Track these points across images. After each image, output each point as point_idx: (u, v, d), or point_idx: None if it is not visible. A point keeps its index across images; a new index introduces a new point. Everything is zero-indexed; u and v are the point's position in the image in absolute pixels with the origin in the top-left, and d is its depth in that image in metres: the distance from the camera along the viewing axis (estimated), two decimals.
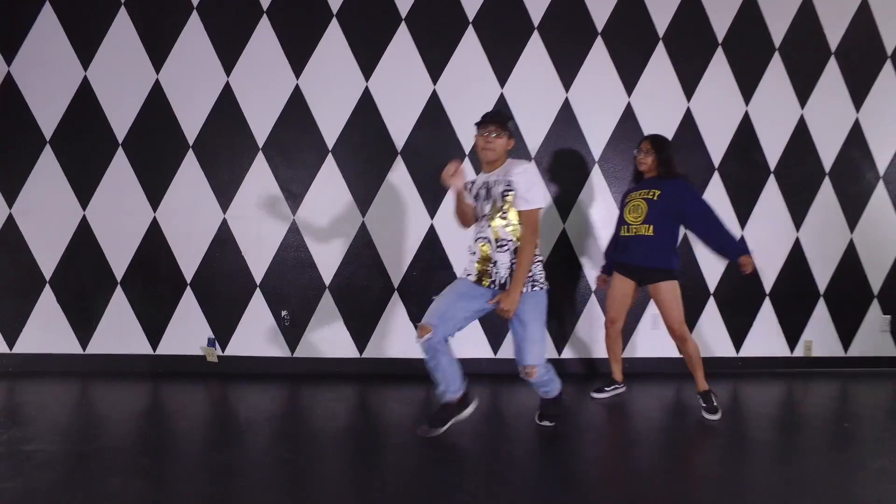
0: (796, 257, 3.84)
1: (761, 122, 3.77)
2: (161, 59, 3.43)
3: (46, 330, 3.46)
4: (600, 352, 3.65)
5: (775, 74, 3.77)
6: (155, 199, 3.46)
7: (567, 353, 3.69)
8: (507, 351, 3.63)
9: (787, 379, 3.70)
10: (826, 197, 3.85)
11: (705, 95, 3.70)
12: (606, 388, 3.16)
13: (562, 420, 2.66)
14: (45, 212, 3.43)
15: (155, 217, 3.45)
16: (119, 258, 3.46)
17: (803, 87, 3.80)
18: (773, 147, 3.79)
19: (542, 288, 2.35)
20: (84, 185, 3.44)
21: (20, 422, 2.58)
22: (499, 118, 2.38)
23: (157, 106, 3.43)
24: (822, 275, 3.87)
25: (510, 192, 2.29)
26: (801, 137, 3.81)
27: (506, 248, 2.31)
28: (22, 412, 2.71)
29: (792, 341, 3.86)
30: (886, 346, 3.94)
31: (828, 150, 3.85)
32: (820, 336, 3.87)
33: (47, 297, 3.46)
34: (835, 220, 3.87)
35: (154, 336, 3.50)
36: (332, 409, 2.88)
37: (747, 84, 3.75)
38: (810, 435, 2.69)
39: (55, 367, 3.46)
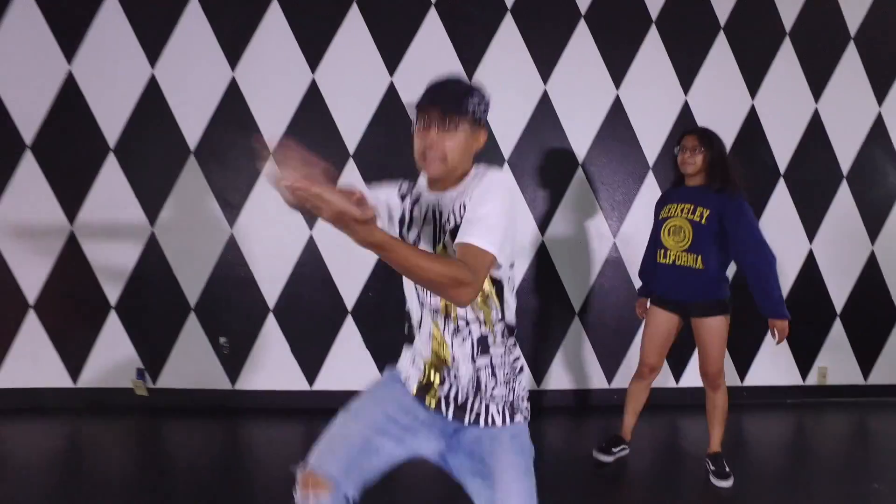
0: (809, 272, 3.37)
1: (769, 116, 3.29)
2: None
3: None
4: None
5: (785, 62, 3.29)
6: (71, 210, 3.01)
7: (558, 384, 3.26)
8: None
9: (798, 411, 3.24)
10: (843, 203, 3.38)
11: (704, 86, 3.23)
12: (614, 449, 2.55)
13: None
14: None
15: (72, 230, 3.01)
16: (31, 280, 3.03)
17: (818, 78, 3.33)
18: (782, 146, 3.32)
19: (524, 417, 1.37)
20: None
21: None
22: (454, 98, 1.25)
23: None
24: (839, 292, 3.40)
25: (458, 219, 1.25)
26: (814, 135, 3.34)
27: (464, 336, 1.31)
28: None
29: (804, 368, 3.40)
30: None
31: (845, 150, 3.37)
32: (836, 362, 3.40)
33: None
34: (853, 229, 3.39)
35: (74, 367, 3.06)
36: (278, 449, 2.56)
37: (753, 74, 3.27)
38: (832, 497, 2.25)
39: None
